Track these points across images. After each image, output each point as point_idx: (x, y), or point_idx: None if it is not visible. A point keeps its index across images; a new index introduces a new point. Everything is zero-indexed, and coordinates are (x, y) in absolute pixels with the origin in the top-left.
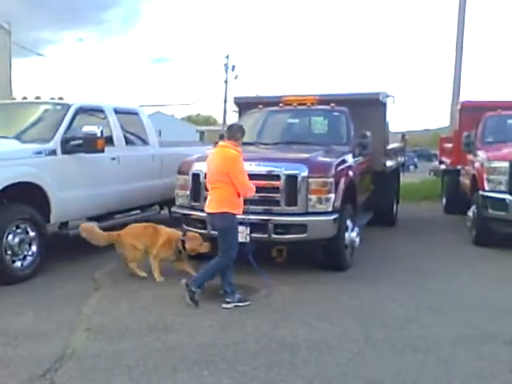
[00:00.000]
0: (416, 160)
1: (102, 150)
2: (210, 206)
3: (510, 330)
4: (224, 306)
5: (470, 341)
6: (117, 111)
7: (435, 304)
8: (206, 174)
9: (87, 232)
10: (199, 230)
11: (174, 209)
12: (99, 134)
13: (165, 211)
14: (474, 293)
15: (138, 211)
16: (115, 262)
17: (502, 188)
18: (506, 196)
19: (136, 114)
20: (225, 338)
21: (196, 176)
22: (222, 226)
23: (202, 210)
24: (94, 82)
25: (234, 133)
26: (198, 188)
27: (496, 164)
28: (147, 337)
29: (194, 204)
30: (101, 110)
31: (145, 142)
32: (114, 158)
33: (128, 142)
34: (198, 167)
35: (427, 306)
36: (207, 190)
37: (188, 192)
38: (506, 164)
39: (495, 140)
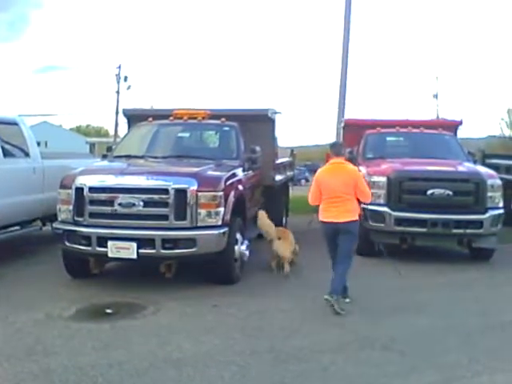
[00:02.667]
0: (307, 174)
1: None
2: (343, 215)
3: (386, 334)
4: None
5: (349, 347)
6: None
7: (319, 312)
8: (323, 185)
9: (262, 220)
10: (82, 247)
11: (55, 224)
12: None
13: (47, 227)
14: (354, 299)
15: (18, 227)
16: None
17: (381, 201)
18: (384, 209)
19: (15, 124)
20: (108, 357)
21: (79, 190)
22: (354, 231)
23: (86, 226)
24: None
25: (340, 150)
26: (81, 203)
27: (375, 179)
28: (24, 361)
29: (77, 219)
30: None
31: (25, 154)
32: None
33: (6, 153)
34: (81, 181)
35: (312, 315)
36: (329, 202)
37: (71, 207)
38: (383, 179)
39: (375, 156)
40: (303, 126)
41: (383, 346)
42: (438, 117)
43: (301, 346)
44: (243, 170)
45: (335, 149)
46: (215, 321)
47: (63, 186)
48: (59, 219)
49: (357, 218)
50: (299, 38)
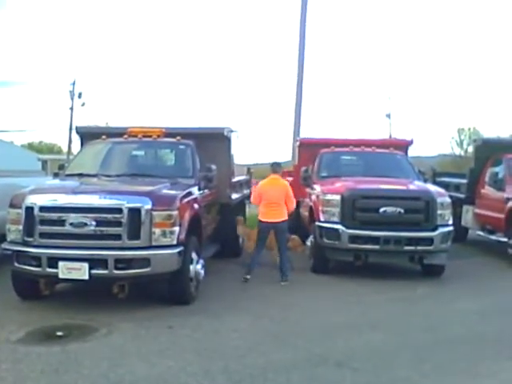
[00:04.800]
0: None
1: None
2: (279, 216)
3: (340, 351)
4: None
5: (304, 365)
6: None
7: (274, 331)
8: (264, 195)
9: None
10: (32, 268)
11: (4, 245)
12: None
13: None
14: (308, 318)
15: None
16: None
17: (335, 219)
18: (339, 226)
19: None
20: (58, 382)
21: (30, 210)
22: (285, 228)
23: (36, 246)
24: None
25: (276, 168)
26: (31, 223)
27: (329, 197)
28: None
29: (27, 240)
30: None
31: None
32: None
33: None
34: (32, 200)
35: (266, 334)
36: (269, 206)
37: (21, 227)
38: (338, 197)
39: (329, 174)
40: (260, 144)
41: (337, 363)
42: (390, 136)
43: (255, 365)
44: (199, 189)
45: (273, 168)
46: (169, 342)
47: (13, 206)
48: (8, 239)
49: (286, 219)
50: (255, 58)
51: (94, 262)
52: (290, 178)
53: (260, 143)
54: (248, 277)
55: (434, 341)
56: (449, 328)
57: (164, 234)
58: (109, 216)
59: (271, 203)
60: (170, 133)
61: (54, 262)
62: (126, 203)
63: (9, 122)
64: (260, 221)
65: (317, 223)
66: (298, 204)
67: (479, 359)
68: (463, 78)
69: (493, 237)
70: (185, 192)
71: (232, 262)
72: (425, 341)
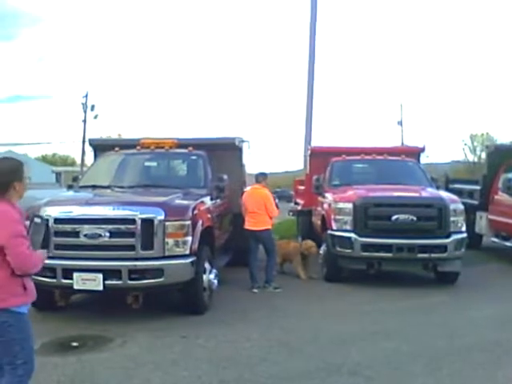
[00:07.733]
0: (277, 201)
1: None
2: (258, 225)
3: (353, 359)
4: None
5: (317, 374)
6: None
7: (286, 340)
8: (245, 204)
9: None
10: (47, 279)
11: None
12: None
13: None
14: (321, 327)
15: None
16: None
17: (348, 227)
18: (351, 234)
19: None
20: None
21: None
22: (265, 236)
23: (51, 258)
24: None
25: (258, 179)
26: (46, 234)
27: (341, 205)
28: None
29: None
30: None
31: None
32: None
33: None
34: (46, 212)
35: (279, 343)
36: (249, 215)
37: None
38: (350, 205)
39: (341, 183)
40: (273, 153)
41: (350, 372)
42: (402, 143)
43: (269, 375)
44: (211, 199)
45: (255, 178)
46: (183, 352)
47: (27, 218)
48: None
49: (268, 227)
50: (266, 67)
51: (108, 273)
52: (302, 187)
53: (272, 152)
54: (255, 290)
55: (450, 348)
56: (464, 335)
57: (177, 244)
58: (122, 227)
59: (250, 212)
60: (182, 143)
61: (68, 273)
62: (139, 214)
63: (22, 135)
64: (245, 229)
65: (329, 232)
66: (310, 213)
67: (496, 366)
68: (475, 84)
69: (507, 243)
70: (197, 202)
71: (244, 271)
72: (440, 348)
